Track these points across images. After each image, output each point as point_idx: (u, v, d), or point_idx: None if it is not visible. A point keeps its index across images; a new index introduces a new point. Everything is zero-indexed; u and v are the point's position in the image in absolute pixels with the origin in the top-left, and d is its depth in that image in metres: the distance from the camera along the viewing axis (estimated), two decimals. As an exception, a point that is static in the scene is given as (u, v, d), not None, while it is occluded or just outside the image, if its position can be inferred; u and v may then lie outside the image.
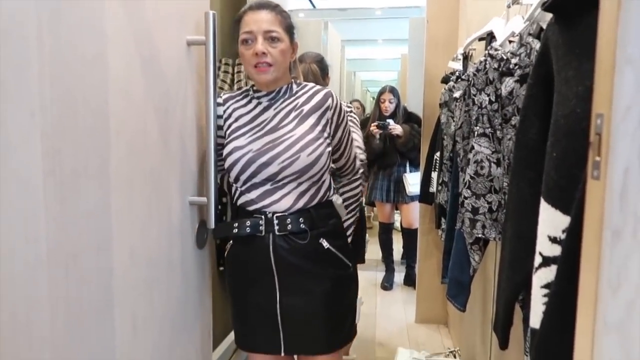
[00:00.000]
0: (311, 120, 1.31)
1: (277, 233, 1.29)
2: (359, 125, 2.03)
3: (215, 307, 1.44)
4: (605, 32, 0.48)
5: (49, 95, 0.71)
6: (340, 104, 1.38)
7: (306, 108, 1.32)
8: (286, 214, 1.29)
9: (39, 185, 0.70)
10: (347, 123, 1.40)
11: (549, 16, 0.86)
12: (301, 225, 1.29)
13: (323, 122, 1.31)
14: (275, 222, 1.28)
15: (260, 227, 1.29)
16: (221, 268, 1.46)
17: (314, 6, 6.39)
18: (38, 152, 0.69)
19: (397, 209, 3.75)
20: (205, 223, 1.28)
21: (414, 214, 3.38)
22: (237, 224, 1.31)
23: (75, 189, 0.77)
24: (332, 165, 1.40)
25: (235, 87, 2.33)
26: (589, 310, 0.48)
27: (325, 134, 1.31)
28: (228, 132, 1.34)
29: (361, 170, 1.52)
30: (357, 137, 2.02)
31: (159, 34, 1.05)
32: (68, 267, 0.76)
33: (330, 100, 1.34)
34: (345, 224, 1.46)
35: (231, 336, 2.34)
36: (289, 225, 1.29)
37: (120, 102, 0.90)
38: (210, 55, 1.19)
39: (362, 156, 2.08)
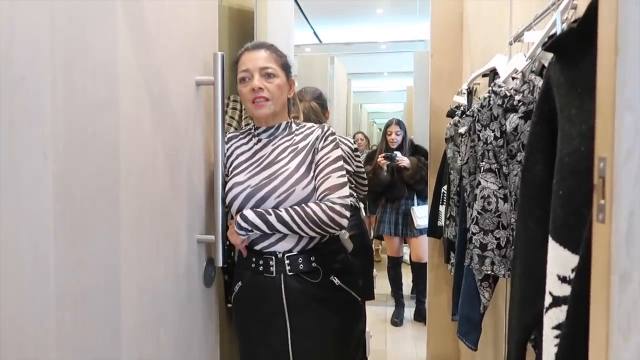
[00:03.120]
0: (303, 154, 1.32)
1: (288, 273, 1.28)
2: (362, 165, 2.05)
3: (223, 345, 1.42)
4: (603, 76, 0.49)
5: (62, 137, 0.73)
6: (331, 134, 1.35)
7: (301, 145, 1.34)
8: (296, 252, 1.29)
9: (49, 227, 0.70)
10: (332, 150, 1.33)
11: (550, 54, 0.87)
12: (313, 264, 1.29)
13: (312, 151, 1.33)
14: (287, 262, 1.28)
15: (271, 268, 1.29)
16: (229, 305, 1.45)
17: (320, 41, 6.53)
18: (50, 193, 0.70)
19: (405, 242, 3.72)
20: (213, 261, 1.28)
21: (423, 248, 3.35)
22: (254, 259, 1.30)
23: (85, 229, 0.78)
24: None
25: (244, 122, 2.37)
26: (601, 356, 0.47)
27: (314, 162, 1.31)
28: (230, 169, 1.36)
29: (343, 213, 1.26)
30: (363, 174, 2.03)
31: (169, 75, 1.08)
32: (76, 308, 0.76)
33: (319, 131, 1.35)
34: (286, 212, 1.25)
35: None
36: (301, 265, 1.28)
37: (130, 142, 0.92)
38: (219, 96, 1.22)
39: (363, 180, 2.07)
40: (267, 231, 1.26)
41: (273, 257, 1.28)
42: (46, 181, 0.70)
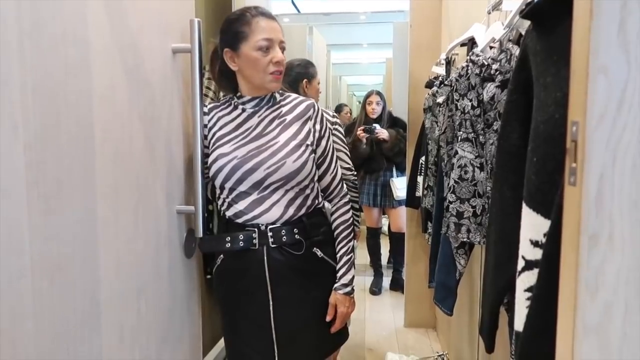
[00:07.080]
0: (294, 127, 1.32)
1: (271, 245, 1.28)
2: (344, 141, 2.03)
3: (203, 315, 1.43)
4: (578, 41, 0.49)
5: (32, 106, 0.71)
6: (323, 115, 1.39)
7: (289, 117, 1.33)
8: (279, 224, 1.28)
9: (22, 197, 0.69)
10: (330, 136, 1.40)
11: (527, 23, 0.88)
12: (296, 236, 1.29)
13: (305, 130, 1.32)
14: (270, 234, 1.27)
15: (254, 240, 1.28)
16: (208, 276, 1.45)
17: (298, 11, 6.40)
18: (21, 164, 0.69)
19: (384, 213, 3.77)
20: (193, 232, 1.27)
21: (402, 218, 3.40)
22: (229, 238, 1.29)
23: (60, 200, 0.77)
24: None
25: (221, 93, 2.33)
26: (569, 313, 0.49)
27: (309, 142, 1.32)
28: (213, 140, 1.34)
29: (348, 196, 1.47)
30: (344, 156, 2.02)
31: (144, 42, 1.05)
32: (53, 278, 0.75)
33: (311, 111, 1.35)
34: (340, 252, 1.39)
35: (220, 344, 2.33)
36: (284, 237, 1.28)
37: (104, 111, 0.90)
38: (196, 63, 1.20)
39: (351, 176, 2.08)
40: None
41: (256, 230, 1.28)
42: (17, 151, 0.68)
